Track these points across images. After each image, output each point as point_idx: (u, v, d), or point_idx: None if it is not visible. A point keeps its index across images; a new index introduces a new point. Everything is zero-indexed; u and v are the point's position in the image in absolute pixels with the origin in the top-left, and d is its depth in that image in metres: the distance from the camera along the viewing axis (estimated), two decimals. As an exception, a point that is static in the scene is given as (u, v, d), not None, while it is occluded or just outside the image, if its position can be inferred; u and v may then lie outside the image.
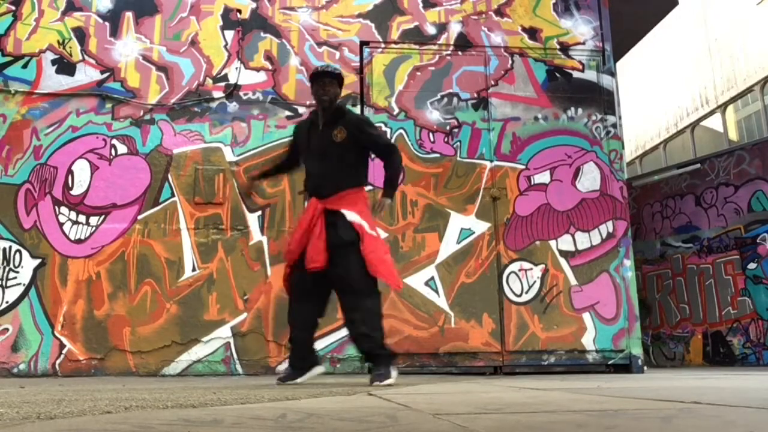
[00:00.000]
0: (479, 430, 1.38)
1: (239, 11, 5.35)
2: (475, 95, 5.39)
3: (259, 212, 4.97)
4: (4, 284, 4.68)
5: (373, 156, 3.60)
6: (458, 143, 5.26)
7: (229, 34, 5.32)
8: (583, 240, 5.18)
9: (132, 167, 4.97)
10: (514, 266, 5.07)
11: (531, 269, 5.08)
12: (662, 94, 13.54)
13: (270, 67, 5.29)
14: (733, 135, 11.62)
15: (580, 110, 5.46)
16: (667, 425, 1.45)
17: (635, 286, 5.19)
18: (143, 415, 1.74)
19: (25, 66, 5.08)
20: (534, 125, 5.39)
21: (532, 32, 5.59)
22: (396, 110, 5.27)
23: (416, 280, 4.95)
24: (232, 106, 5.17)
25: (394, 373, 3.23)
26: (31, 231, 4.78)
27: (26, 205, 4.82)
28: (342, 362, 4.75)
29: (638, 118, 13.67)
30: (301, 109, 5.17)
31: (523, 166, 5.27)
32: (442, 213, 5.10)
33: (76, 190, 4.89)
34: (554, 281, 5.07)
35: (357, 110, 5.06)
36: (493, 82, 5.43)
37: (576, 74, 5.53)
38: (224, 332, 4.74)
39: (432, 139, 5.25)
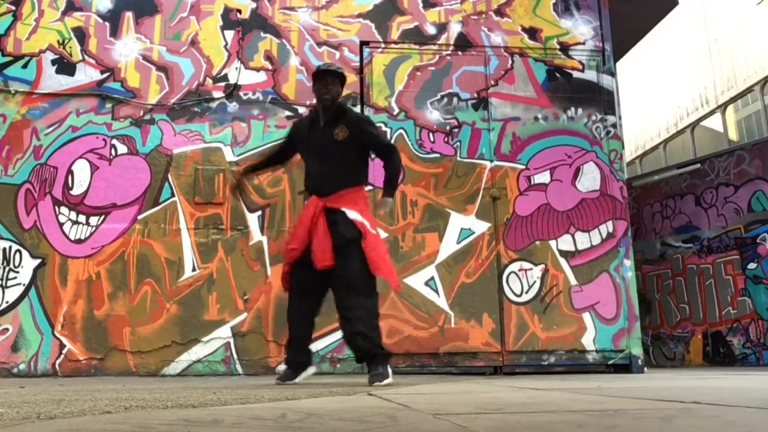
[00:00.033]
0: (479, 430, 1.38)
1: (239, 11, 5.35)
2: (475, 95, 5.39)
3: (259, 212, 4.97)
4: (4, 284, 4.68)
5: (373, 156, 3.61)
6: (458, 143, 5.26)
7: (229, 34, 5.32)
8: (583, 240, 5.18)
9: (132, 167, 4.98)
10: (514, 266, 5.07)
11: (531, 269, 5.08)
12: (662, 94, 13.54)
13: (270, 67, 5.29)
14: (733, 135, 11.62)
15: (580, 110, 5.46)
16: (667, 425, 1.45)
17: (635, 286, 5.19)
18: (143, 415, 1.74)
19: (25, 66, 5.08)
20: (534, 125, 5.39)
21: (532, 32, 5.59)
22: (396, 110, 5.27)
23: (416, 280, 4.95)
24: (232, 106, 5.18)
25: (390, 372, 3.24)
26: (31, 231, 4.78)
27: (26, 205, 4.82)
28: (342, 362, 4.75)
29: (638, 118, 13.67)
30: (301, 109, 5.16)
31: (523, 166, 5.27)
32: (442, 213, 5.10)
33: (76, 190, 4.89)
34: (554, 281, 5.07)
35: (357, 110, 5.06)
36: (493, 82, 5.43)
37: (576, 74, 5.54)
38: (224, 332, 4.74)
39: (432, 139, 5.25)
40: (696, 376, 4.33)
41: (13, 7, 5.18)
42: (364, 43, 5.39)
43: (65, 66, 5.12)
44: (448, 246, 5.04)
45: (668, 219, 8.05)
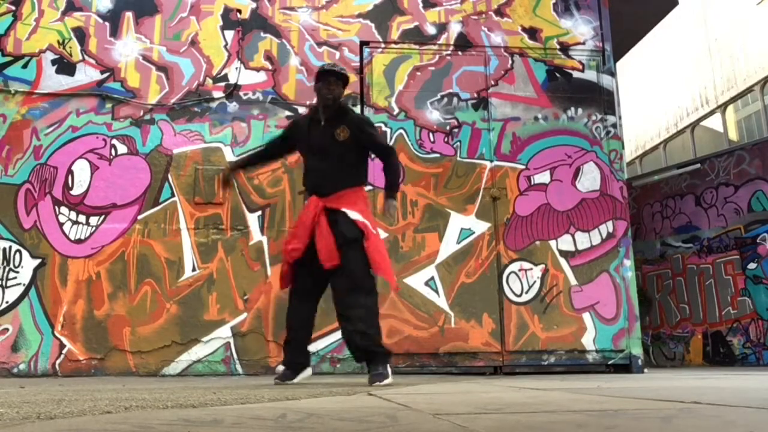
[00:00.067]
0: (479, 430, 1.38)
1: (239, 11, 5.35)
2: (475, 95, 5.39)
3: (259, 212, 4.97)
4: (4, 284, 4.68)
5: (373, 156, 3.61)
6: (458, 143, 5.26)
7: (229, 34, 5.32)
8: (583, 240, 5.18)
9: (132, 167, 4.97)
10: (514, 266, 5.07)
11: (531, 269, 5.08)
12: (662, 94, 13.54)
13: (270, 67, 5.29)
14: (733, 135, 11.62)
15: (580, 110, 5.46)
16: (667, 425, 1.45)
17: (635, 286, 5.19)
18: (143, 415, 1.74)
19: (25, 66, 5.08)
20: (534, 125, 5.39)
21: (532, 32, 5.59)
22: (396, 110, 5.27)
23: (416, 280, 4.95)
24: (232, 106, 5.17)
25: (390, 372, 3.24)
26: (31, 231, 4.78)
27: (26, 205, 4.82)
28: (342, 362, 4.75)
29: (638, 118, 13.67)
30: (301, 109, 5.16)
31: (523, 166, 5.27)
32: (442, 213, 5.10)
33: (76, 190, 4.89)
34: (554, 281, 5.07)
35: (357, 110, 5.06)
36: (493, 82, 5.43)
37: (576, 74, 5.53)
38: (224, 332, 4.74)
39: (432, 139, 5.25)
40: (696, 376, 4.33)
41: (13, 7, 5.18)
42: (364, 43, 5.39)
43: (65, 66, 5.12)
44: (448, 246, 5.04)
45: (668, 219, 8.05)
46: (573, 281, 5.09)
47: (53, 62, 5.11)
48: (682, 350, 7.78)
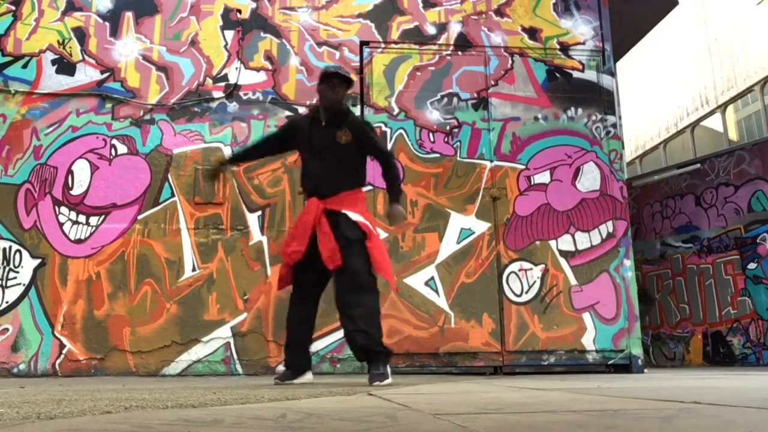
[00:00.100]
0: (479, 430, 1.38)
1: (239, 11, 5.35)
2: (475, 95, 5.39)
3: (259, 212, 4.97)
4: (4, 284, 4.68)
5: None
6: (458, 143, 5.26)
7: (229, 34, 5.32)
8: (583, 240, 5.18)
9: (132, 167, 4.97)
10: (514, 266, 5.07)
11: (531, 269, 5.08)
12: (662, 94, 13.54)
13: (270, 67, 5.29)
14: (733, 135, 11.62)
15: (580, 110, 5.45)
16: (667, 425, 1.45)
17: (635, 286, 5.19)
18: (143, 415, 1.74)
19: (25, 66, 5.08)
20: (534, 125, 5.39)
21: (532, 32, 5.59)
22: (396, 110, 5.27)
23: (416, 280, 4.95)
24: (232, 106, 5.17)
25: (389, 372, 3.25)
26: (31, 231, 4.78)
27: (26, 205, 4.82)
28: (342, 362, 4.75)
29: (638, 118, 13.68)
30: (301, 109, 5.16)
31: (523, 166, 5.27)
32: (442, 213, 5.10)
33: (76, 190, 4.89)
34: (554, 281, 5.07)
35: (357, 110, 5.07)
36: (493, 82, 5.43)
37: (576, 74, 5.53)
38: (224, 332, 4.74)
39: (432, 139, 5.25)
40: (696, 376, 4.33)
41: (13, 7, 5.18)
42: (364, 43, 5.39)
43: (65, 66, 5.12)
44: (448, 246, 5.04)
45: (668, 219, 8.05)
46: (573, 281, 5.09)
47: (53, 62, 5.11)
48: (682, 350, 7.78)
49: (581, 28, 5.66)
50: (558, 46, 5.58)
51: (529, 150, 5.32)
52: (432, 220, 5.08)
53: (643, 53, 11.72)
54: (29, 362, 4.56)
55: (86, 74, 5.12)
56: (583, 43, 5.61)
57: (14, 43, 5.12)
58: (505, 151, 5.29)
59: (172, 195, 4.94)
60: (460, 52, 5.48)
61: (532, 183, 5.25)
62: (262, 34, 5.35)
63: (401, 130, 5.22)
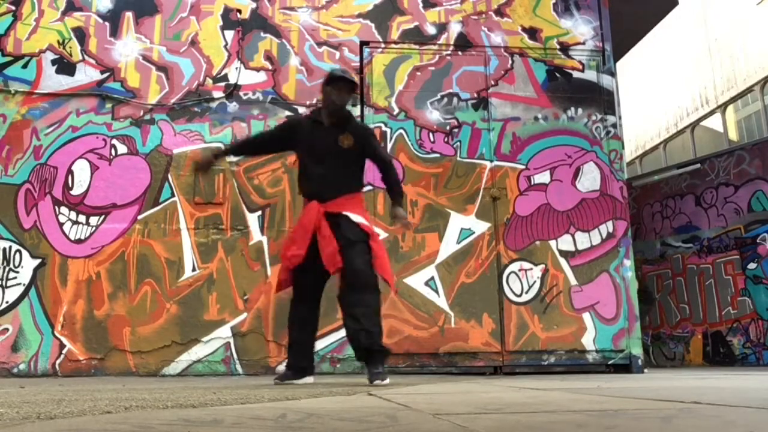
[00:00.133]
0: (479, 430, 1.38)
1: (239, 11, 5.35)
2: (475, 95, 5.39)
3: (259, 212, 4.97)
4: (4, 284, 4.68)
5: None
6: (458, 143, 5.26)
7: (229, 34, 5.32)
8: (583, 240, 5.18)
9: (132, 167, 4.97)
10: (514, 266, 5.07)
11: (531, 269, 5.08)
12: (662, 94, 13.54)
13: (270, 67, 5.29)
14: (733, 135, 11.62)
15: (580, 110, 5.45)
16: (667, 425, 1.45)
17: (635, 286, 5.19)
18: (143, 415, 1.74)
19: (25, 66, 5.08)
20: (534, 125, 5.39)
21: (532, 32, 5.59)
22: (396, 110, 5.27)
23: (416, 280, 4.95)
24: (232, 106, 5.17)
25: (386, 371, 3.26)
26: (31, 231, 4.78)
27: (26, 205, 4.82)
28: (342, 362, 4.75)
29: (638, 118, 13.67)
30: (301, 109, 5.16)
31: (523, 166, 5.27)
32: (442, 213, 5.10)
33: (76, 190, 4.89)
34: (554, 281, 5.07)
35: (357, 110, 5.07)
36: (493, 82, 5.43)
37: (576, 74, 5.53)
38: (224, 332, 4.74)
39: (432, 139, 5.25)
40: (696, 376, 4.33)
41: (13, 7, 5.18)
42: (364, 43, 5.39)
43: (65, 66, 5.12)
44: (448, 246, 5.04)
45: (668, 219, 8.05)
46: (573, 281, 5.09)
47: (53, 62, 5.11)
48: (682, 350, 7.78)
49: (581, 28, 5.65)
50: (558, 46, 5.57)
51: (529, 150, 5.32)
52: (432, 220, 5.07)
53: (643, 53, 11.72)
54: (29, 362, 4.56)
55: (86, 74, 5.12)
56: (583, 43, 5.61)
57: (14, 43, 5.12)
58: (505, 151, 5.29)
59: (172, 195, 4.94)
60: (460, 52, 5.48)
61: (532, 183, 5.25)
62: (262, 34, 5.35)
63: (401, 130, 5.22)
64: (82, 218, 4.84)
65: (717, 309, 7.41)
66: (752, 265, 7.10)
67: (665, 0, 6.83)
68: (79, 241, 4.79)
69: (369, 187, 4.65)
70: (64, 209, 4.84)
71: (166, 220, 4.89)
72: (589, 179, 5.32)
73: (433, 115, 5.30)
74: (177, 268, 4.80)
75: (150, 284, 4.75)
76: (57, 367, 4.57)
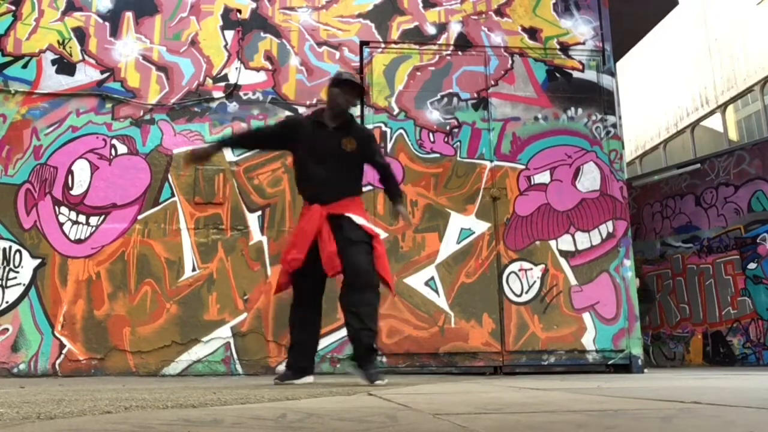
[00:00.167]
0: (479, 430, 1.38)
1: (239, 11, 5.35)
2: (475, 95, 5.39)
3: (259, 212, 4.97)
4: (4, 284, 4.68)
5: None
6: (458, 143, 5.26)
7: (229, 34, 5.32)
8: (583, 240, 5.18)
9: (132, 167, 4.97)
10: (514, 266, 5.07)
11: (531, 269, 5.08)
12: (662, 94, 13.54)
13: (270, 67, 5.29)
14: (733, 135, 11.62)
15: (580, 110, 5.45)
16: (667, 425, 1.45)
17: (635, 286, 5.19)
18: (143, 415, 1.74)
19: (25, 66, 5.08)
20: (534, 125, 5.39)
21: (532, 32, 5.59)
22: (396, 110, 5.27)
23: (416, 280, 4.95)
24: (232, 106, 5.17)
25: None
26: (31, 231, 4.78)
27: (26, 205, 4.82)
28: (342, 362, 4.74)
29: (638, 118, 13.68)
30: (301, 109, 5.16)
31: (523, 166, 5.27)
32: (442, 213, 5.10)
33: (76, 190, 4.89)
34: (554, 281, 5.07)
35: (357, 110, 5.07)
36: (493, 82, 5.42)
37: (576, 74, 5.53)
38: (224, 332, 4.74)
39: (432, 139, 5.25)
40: (696, 376, 4.33)
41: (13, 7, 5.18)
42: (364, 43, 5.39)
43: (65, 66, 5.12)
44: (448, 246, 5.04)
45: (668, 219, 8.05)
46: (573, 281, 5.09)
47: (53, 62, 5.11)
48: (682, 350, 7.78)
49: (581, 28, 5.65)
50: (558, 46, 5.57)
51: (529, 150, 5.32)
52: (432, 220, 5.08)
53: (643, 53, 11.72)
54: (29, 362, 4.56)
55: (86, 74, 5.12)
56: (583, 43, 5.61)
57: (14, 43, 5.12)
58: (505, 151, 5.29)
59: (172, 195, 4.94)
60: (460, 52, 5.48)
61: (532, 183, 5.25)
62: (262, 34, 5.35)
63: (401, 130, 5.22)
64: (82, 218, 4.84)
65: (717, 309, 7.42)
66: (752, 265, 7.10)
67: (665, 0, 6.83)
68: (79, 241, 4.79)
69: (369, 187, 4.65)
70: (64, 209, 4.84)
71: (166, 220, 4.89)
72: (589, 179, 5.32)
73: (433, 115, 5.30)
74: (177, 268, 4.80)
75: (150, 284, 4.75)
76: (57, 367, 4.57)
